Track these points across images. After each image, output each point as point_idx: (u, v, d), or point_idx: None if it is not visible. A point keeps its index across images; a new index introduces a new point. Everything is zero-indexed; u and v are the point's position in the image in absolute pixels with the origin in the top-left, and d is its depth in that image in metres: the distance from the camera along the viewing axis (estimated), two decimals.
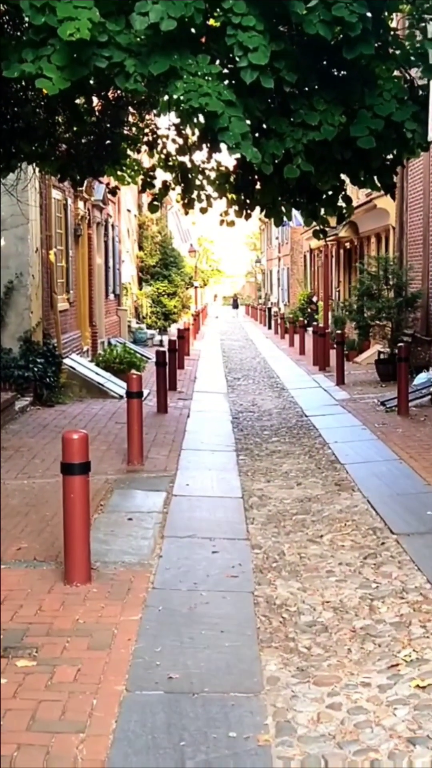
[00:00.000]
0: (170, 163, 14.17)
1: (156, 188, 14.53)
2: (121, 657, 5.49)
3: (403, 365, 14.48)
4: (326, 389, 18.98)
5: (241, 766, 4.30)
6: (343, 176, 12.67)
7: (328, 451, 12.23)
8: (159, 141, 14.44)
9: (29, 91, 11.98)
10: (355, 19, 9.15)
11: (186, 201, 14.13)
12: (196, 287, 53.82)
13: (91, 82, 13.09)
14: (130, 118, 14.59)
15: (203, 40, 10.48)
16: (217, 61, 10.15)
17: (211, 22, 10.02)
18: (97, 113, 14.05)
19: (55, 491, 8.95)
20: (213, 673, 5.31)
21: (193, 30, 9.72)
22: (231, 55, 9.76)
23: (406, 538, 7.98)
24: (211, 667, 5.38)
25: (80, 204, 21.12)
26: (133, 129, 14.79)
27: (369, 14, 9.72)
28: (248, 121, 10.12)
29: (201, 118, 13.17)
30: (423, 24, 10.60)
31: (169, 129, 14.14)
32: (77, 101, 13.79)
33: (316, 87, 10.68)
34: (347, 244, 29.86)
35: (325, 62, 10.96)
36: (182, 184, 14.01)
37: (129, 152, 14.77)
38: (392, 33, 11.69)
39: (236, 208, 13.84)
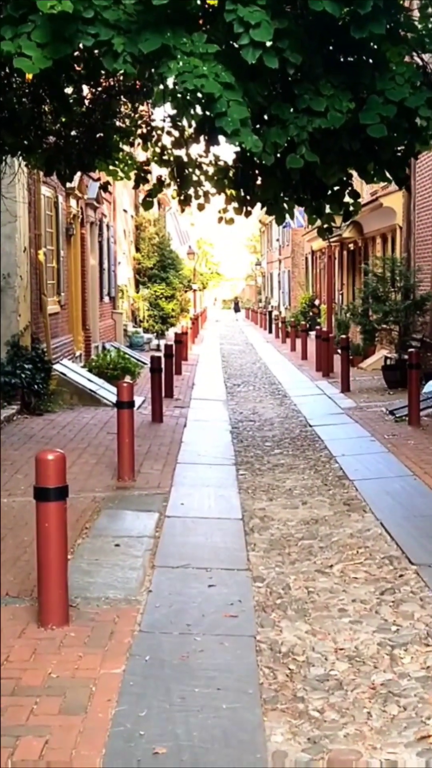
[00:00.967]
0: (165, 157, 13.33)
1: (150, 184, 13.70)
2: (99, 724, 4.60)
3: (415, 372, 13.61)
4: (331, 396, 18.09)
5: None
6: (349, 170, 11.79)
7: (334, 466, 11.35)
8: (153, 133, 13.59)
9: (12, 76, 11.11)
10: None
11: (182, 197, 13.27)
12: (194, 290, 52.93)
13: (79, 69, 12.43)
14: (123, 109, 13.75)
15: (200, 20, 9.66)
16: (216, 43, 9.27)
17: None
18: (86, 103, 13.22)
19: None
20: (207, 745, 4.42)
21: (188, 6, 8.87)
22: (231, 35, 8.90)
23: (428, 569, 7.09)
24: (206, 736, 4.50)
25: (72, 202, 20.25)
26: (126, 121, 13.95)
27: None
28: (249, 108, 9.23)
29: (198, 109, 12.42)
30: None
31: (164, 120, 13.28)
32: (66, 90, 13.02)
33: (323, 70, 9.80)
34: (351, 245, 28.96)
35: (332, 44, 10.09)
36: (178, 180, 13.16)
37: (121, 145, 13.91)
38: (404, 14, 10.79)
39: (236, 204, 12.98)
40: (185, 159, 13.04)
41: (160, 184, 13.37)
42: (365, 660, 5.51)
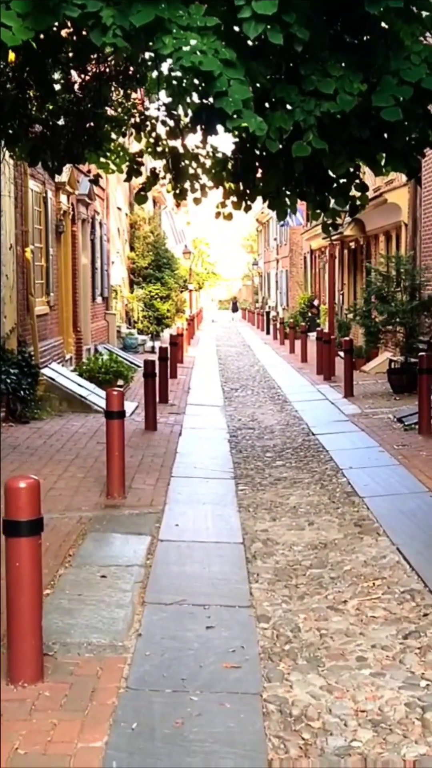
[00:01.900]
0: (160, 149, 12.51)
1: (144, 177, 12.87)
2: None
3: (426, 377, 12.75)
4: (333, 402, 17.22)
5: None
6: (357, 160, 10.96)
7: (342, 480, 10.49)
8: (147, 123, 12.75)
9: None
10: None
11: (178, 191, 12.44)
12: (190, 290, 52.06)
13: (67, 52, 11.60)
14: (114, 96, 12.91)
15: None
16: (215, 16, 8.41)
17: None
18: (75, 89, 12.38)
19: None
20: None
21: None
22: (231, 7, 8.05)
23: None
24: None
25: (63, 198, 19.36)
26: (118, 109, 13.12)
27: None
28: (251, 89, 8.39)
29: (195, 97, 11.65)
30: None
31: (158, 109, 12.44)
32: (54, 76, 12.21)
33: (331, 49, 8.94)
34: (352, 244, 28.07)
35: (341, 20, 9.25)
36: (173, 172, 12.34)
37: (113, 135, 13.07)
38: None
39: (234, 199, 12.15)
40: (181, 150, 12.25)
41: (154, 176, 12.54)
42: (392, 726, 4.66)
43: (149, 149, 12.60)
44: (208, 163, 12.26)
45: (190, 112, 11.91)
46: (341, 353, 23.56)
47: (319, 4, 8.71)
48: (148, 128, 12.63)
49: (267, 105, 9.25)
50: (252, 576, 7.07)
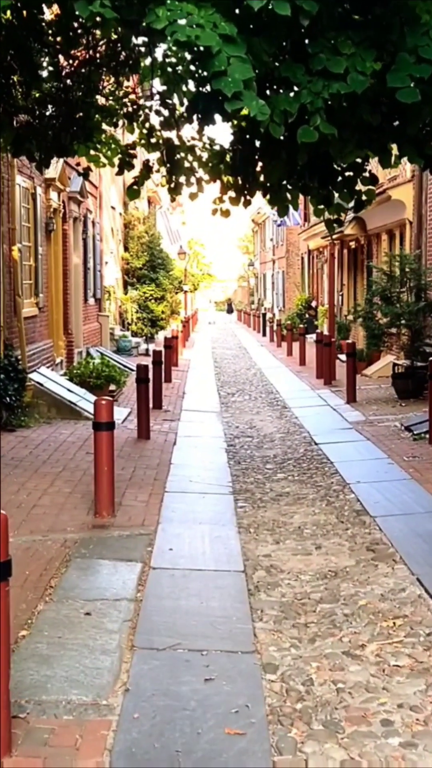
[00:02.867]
0: (154, 140, 11.71)
1: (137, 170, 12.10)
2: None
3: None
4: (335, 408, 16.40)
5: None
6: (365, 150, 10.15)
7: (350, 496, 9.68)
8: (140, 112, 11.97)
9: None
10: None
11: (173, 185, 11.65)
12: (186, 292, 51.20)
13: (52, 34, 10.83)
14: (105, 84, 12.10)
15: None
16: None
17: None
18: (63, 76, 11.57)
19: None
20: None
21: None
22: None
23: None
24: None
25: (53, 194, 18.51)
26: (110, 98, 12.31)
27: None
28: (254, 68, 7.59)
29: (191, 85, 10.90)
30: None
31: (152, 98, 11.66)
32: (41, 62, 11.43)
33: (341, 25, 8.14)
34: (352, 244, 27.22)
35: None
36: (168, 165, 11.54)
37: (104, 126, 12.26)
38: None
39: (233, 194, 11.36)
40: (176, 141, 11.47)
41: (148, 170, 11.76)
42: None
43: (142, 141, 11.84)
44: (205, 155, 11.51)
45: (185, 100, 11.19)
46: (340, 356, 22.83)
47: None
48: (141, 118, 11.89)
49: (270, 88, 8.46)
50: (255, 612, 6.26)
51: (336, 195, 11.15)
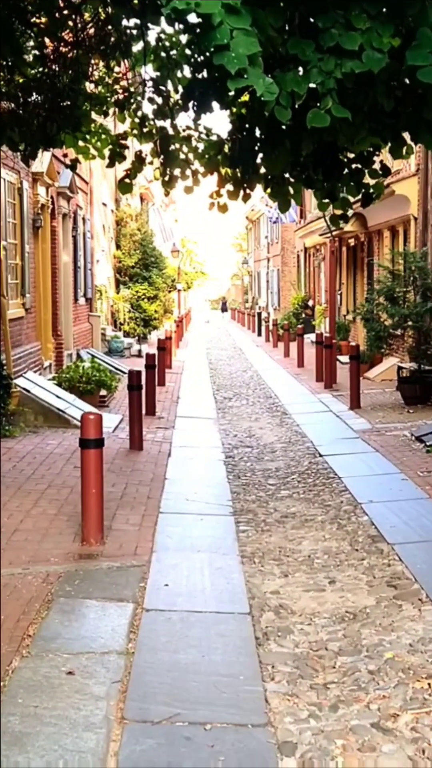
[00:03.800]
0: (146, 130, 10.88)
1: (129, 162, 11.28)
2: None
3: None
4: (338, 415, 15.53)
5: None
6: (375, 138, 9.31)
7: (363, 518, 8.82)
8: (132, 100, 11.14)
9: None
10: None
11: (167, 178, 10.82)
12: (179, 290, 50.31)
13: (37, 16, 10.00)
14: (94, 70, 11.30)
15: None
16: None
17: None
18: (49, 61, 10.71)
19: None
20: None
21: None
22: None
23: None
24: None
25: (41, 190, 17.60)
26: (99, 85, 11.49)
27: None
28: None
29: (186, 71, 10.13)
30: None
31: (144, 84, 10.83)
32: (25, 43, 10.61)
33: None
34: (351, 241, 26.32)
35: None
36: (161, 156, 10.71)
37: (93, 115, 11.44)
38: None
39: (231, 187, 10.53)
40: (170, 131, 10.64)
41: (140, 161, 10.92)
42: None
43: (134, 130, 11.02)
44: (201, 146, 10.71)
45: (180, 87, 10.37)
46: (340, 358, 21.97)
47: None
48: (133, 107, 11.08)
49: (276, 67, 7.57)
50: (265, 669, 5.41)
51: (342, 188, 10.38)
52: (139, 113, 10.92)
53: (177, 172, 10.73)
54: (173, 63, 10.67)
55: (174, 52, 10.70)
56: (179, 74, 10.72)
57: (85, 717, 4.66)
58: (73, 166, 12.07)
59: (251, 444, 13.40)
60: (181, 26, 9.18)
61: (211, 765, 4.23)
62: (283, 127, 9.07)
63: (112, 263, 32.03)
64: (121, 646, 5.61)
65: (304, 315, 34.95)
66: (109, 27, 10.35)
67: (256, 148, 9.96)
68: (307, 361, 24.15)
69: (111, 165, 11.67)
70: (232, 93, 9.30)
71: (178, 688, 5.06)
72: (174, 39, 10.65)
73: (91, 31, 10.65)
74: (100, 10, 10.26)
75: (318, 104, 7.24)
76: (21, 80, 10.61)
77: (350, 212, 19.21)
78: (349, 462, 11.57)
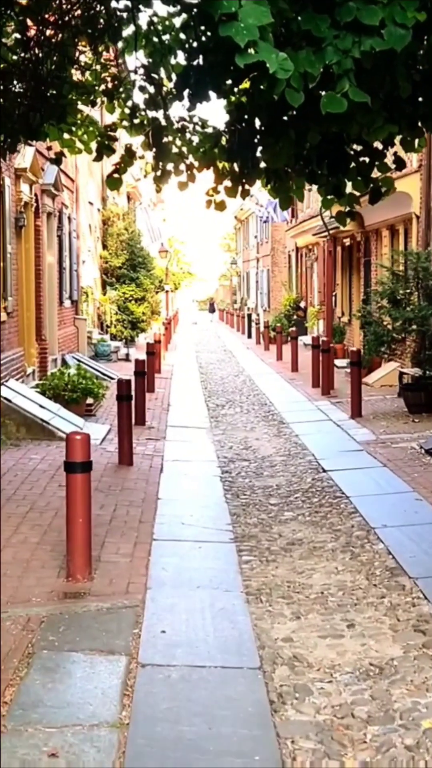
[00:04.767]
0: (137, 121, 10.09)
1: (117, 155, 10.51)
2: None
3: None
4: (339, 424, 14.72)
5: None
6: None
7: (378, 546, 8.00)
8: (122, 89, 10.35)
9: None
10: None
11: (159, 173, 10.02)
12: (167, 291, 49.39)
13: None
14: (81, 56, 10.51)
15: None
16: None
17: None
18: (32, 46, 9.90)
19: None
20: None
21: None
22: None
23: None
24: None
25: (24, 187, 16.72)
26: (86, 73, 10.71)
27: None
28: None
29: (181, 57, 9.42)
30: None
31: (135, 72, 10.04)
32: (6, 26, 9.81)
33: None
34: (346, 241, 25.52)
35: None
36: (154, 150, 9.91)
37: (80, 105, 10.65)
38: None
39: (228, 183, 9.78)
40: (163, 122, 9.84)
41: (130, 155, 10.11)
42: None
43: (124, 121, 10.24)
44: (196, 139, 9.94)
45: (174, 75, 9.56)
46: (336, 362, 21.17)
47: None
48: (123, 96, 10.27)
49: (288, 44, 6.76)
50: (284, 745, 4.58)
51: (348, 184, 9.65)
52: (130, 103, 10.11)
53: (170, 166, 9.97)
54: (166, 48, 9.85)
55: (167, 36, 9.86)
56: (173, 61, 9.89)
57: None
58: (57, 160, 11.24)
59: (248, 457, 12.57)
60: (178, 6, 8.48)
61: None
62: (285, 117, 8.34)
63: (99, 264, 31.16)
64: (113, 716, 4.78)
65: (296, 317, 34.16)
66: (98, 8, 9.53)
67: (256, 140, 9.21)
68: (302, 365, 23.33)
69: (98, 159, 10.89)
70: (230, 82, 8.57)
71: None
72: (168, 22, 9.83)
73: (78, 12, 9.82)
74: None
75: (328, 88, 6.44)
76: (1, 66, 9.81)
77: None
78: (355, 478, 10.75)
